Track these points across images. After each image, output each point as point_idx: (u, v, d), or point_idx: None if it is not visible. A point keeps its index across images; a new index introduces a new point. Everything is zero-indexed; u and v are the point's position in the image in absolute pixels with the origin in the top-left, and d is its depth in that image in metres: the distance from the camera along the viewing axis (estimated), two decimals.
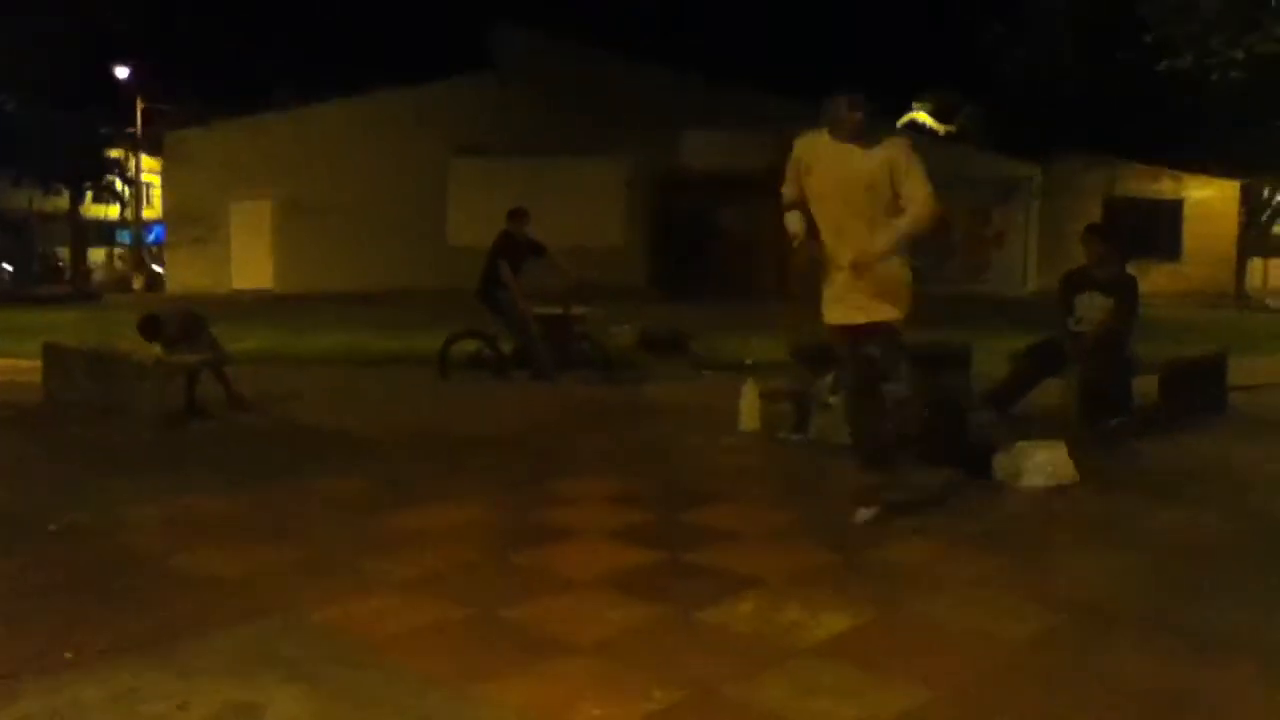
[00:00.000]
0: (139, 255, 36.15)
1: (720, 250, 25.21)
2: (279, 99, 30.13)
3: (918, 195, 4.61)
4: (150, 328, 7.97)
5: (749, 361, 9.93)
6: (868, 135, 4.71)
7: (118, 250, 42.52)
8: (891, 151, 4.68)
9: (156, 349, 7.72)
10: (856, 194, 4.68)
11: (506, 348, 9.88)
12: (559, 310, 10.08)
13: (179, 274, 27.35)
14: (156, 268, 32.96)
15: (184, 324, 8.11)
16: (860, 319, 4.74)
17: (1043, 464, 5.47)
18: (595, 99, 24.52)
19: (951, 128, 35.76)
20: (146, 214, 38.70)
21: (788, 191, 4.92)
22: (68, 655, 3.14)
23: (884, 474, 4.87)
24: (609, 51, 26.13)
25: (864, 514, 4.74)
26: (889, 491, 4.86)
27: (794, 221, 4.87)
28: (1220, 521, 4.83)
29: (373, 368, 10.96)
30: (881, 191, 4.65)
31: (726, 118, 24.70)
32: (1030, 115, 27.71)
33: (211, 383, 8.00)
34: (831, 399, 6.37)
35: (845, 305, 4.76)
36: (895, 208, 4.65)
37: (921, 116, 35.91)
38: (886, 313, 4.74)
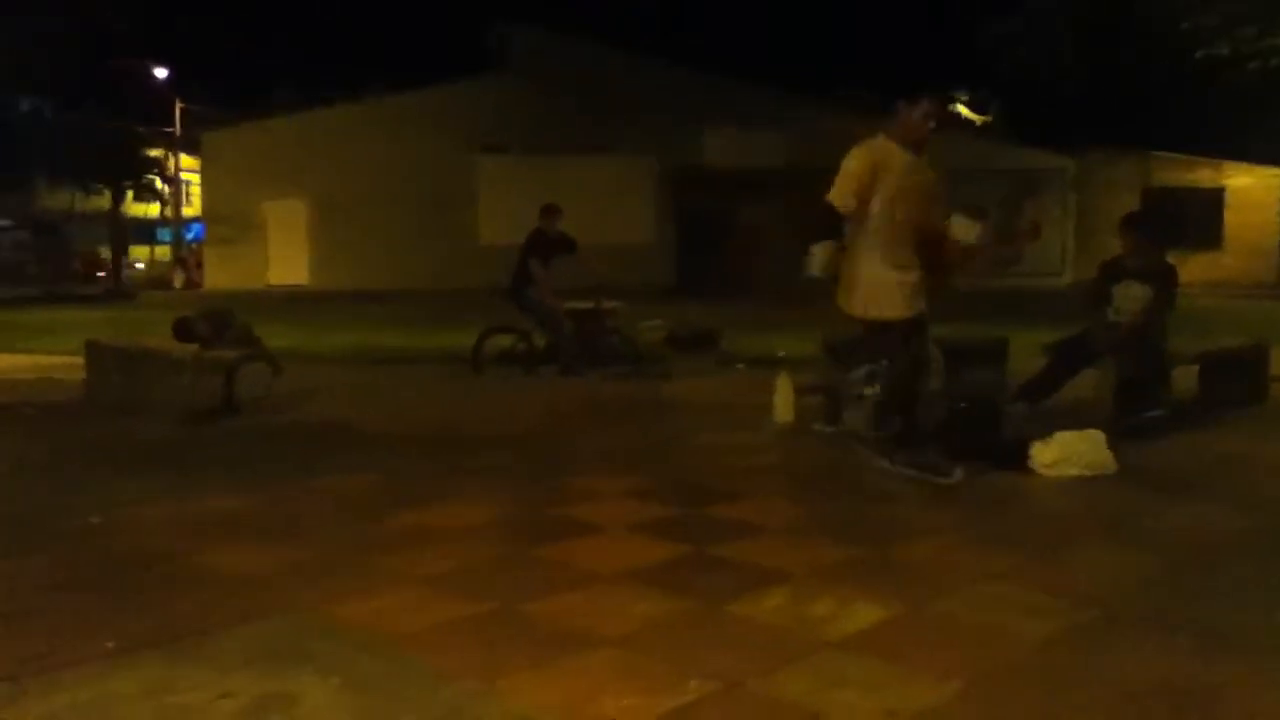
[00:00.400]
0: (179, 253, 36.60)
1: (740, 248, 25.15)
2: (279, 99, 30.33)
3: (940, 224, 5.37)
4: (184, 330, 8.08)
5: (782, 354, 9.91)
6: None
7: (159, 250, 43.10)
8: (936, 173, 5.38)
9: (195, 349, 7.79)
10: (922, 202, 5.24)
11: (540, 342, 9.90)
12: (590, 305, 10.09)
13: (216, 271, 27.70)
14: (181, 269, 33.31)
15: (213, 322, 8.20)
16: (916, 311, 5.29)
17: (1082, 454, 5.42)
18: (597, 98, 24.62)
19: (988, 118, 35.52)
20: (186, 212, 39.14)
21: (845, 201, 4.89)
22: (109, 644, 3.18)
23: (913, 450, 5.31)
24: (613, 49, 26.26)
25: (893, 465, 5.32)
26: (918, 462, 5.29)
27: (821, 257, 5.10)
28: (1248, 517, 4.73)
29: (402, 364, 11.01)
30: (929, 204, 5.28)
31: (741, 115, 24.73)
32: (1030, 115, 27.71)
33: (261, 375, 8.06)
34: (868, 390, 6.34)
35: (913, 299, 5.24)
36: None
37: (957, 107, 35.65)
38: (922, 306, 5.33)
